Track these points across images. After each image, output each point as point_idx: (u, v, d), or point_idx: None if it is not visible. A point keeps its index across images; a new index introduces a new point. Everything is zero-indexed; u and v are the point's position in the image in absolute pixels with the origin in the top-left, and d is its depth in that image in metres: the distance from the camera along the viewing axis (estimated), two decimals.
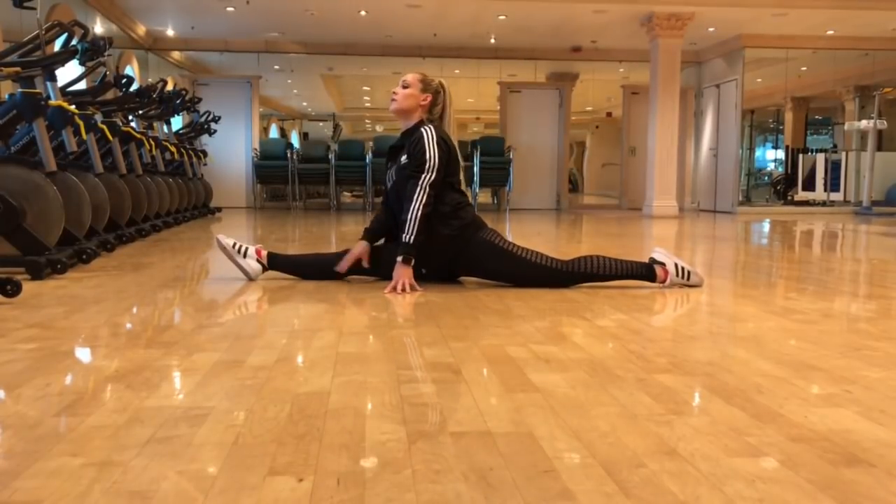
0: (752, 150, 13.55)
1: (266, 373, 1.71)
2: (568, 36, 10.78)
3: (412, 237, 2.91)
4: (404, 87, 3.12)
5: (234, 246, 3.20)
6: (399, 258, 2.95)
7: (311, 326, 2.31)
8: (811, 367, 1.82)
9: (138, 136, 6.00)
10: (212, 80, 11.43)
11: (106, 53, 4.52)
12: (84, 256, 3.72)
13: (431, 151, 2.91)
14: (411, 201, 2.88)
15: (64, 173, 3.92)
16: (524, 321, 2.41)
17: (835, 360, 1.88)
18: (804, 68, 12.51)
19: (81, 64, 4.46)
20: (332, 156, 10.93)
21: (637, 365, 1.82)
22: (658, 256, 3.18)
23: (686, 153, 11.90)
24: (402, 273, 2.95)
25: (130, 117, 6.16)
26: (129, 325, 2.39)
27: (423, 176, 2.90)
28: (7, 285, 2.66)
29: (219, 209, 9.43)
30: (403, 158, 3.03)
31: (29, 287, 2.93)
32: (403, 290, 2.91)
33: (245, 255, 3.19)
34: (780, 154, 13.50)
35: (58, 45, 4.39)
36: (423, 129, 2.99)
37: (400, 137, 3.22)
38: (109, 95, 5.57)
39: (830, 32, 10.35)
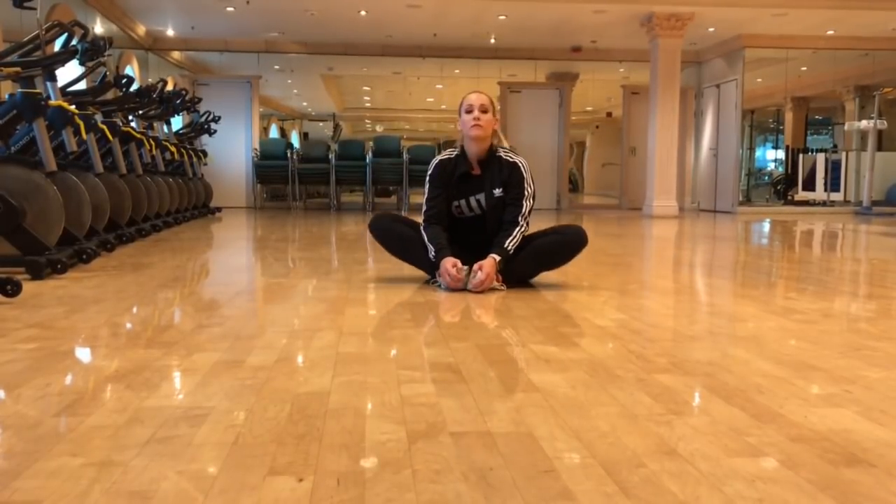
0: (752, 150, 13.54)
1: (266, 373, 1.71)
2: (568, 36, 10.77)
3: (513, 249, 3.05)
4: (484, 111, 3.09)
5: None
6: (497, 258, 3.00)
7: (311, 326, 2.31)
8: (811, 367, 1.82)
9: (138, 136, 6.01)
10: (212, 80, 11.42)
11: (106, 53, 4.52)
12: (84, 256, 3.72)
13: (529, 182, 3.16)
14: (516, 224, 3.09)
15: (64, 173, 3.92)
16: (524, 321, 2.41)
17: (835, 360, 1.88)
18: (804, 68, 12.50)
19: (81, 64, 4.46)
20: (332, 156, 10.93)
21: (637, 365, 1.82)
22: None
23: (686, 153, 11.89)
24: (494, 273, 2.98)
25: (130, 117, 6.16)
26: (129, 325, 2.39)
27: (526, 204, 3.13)
28: (7, 285, 2.66)
29: (219, 209, 9.44)
30: (497, 191, 3.13)
31: (29, 287, 2.93)
32: (487, 287, 2.97)
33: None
34: (780, 154, 13.50)
35: (58, 45, 4.39)
36: (517, 162, 3.17)
37: (464, 164, 3.15)
38: (109, 95, 5.57)
39: (830, 32, 10.35)
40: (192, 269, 4.02)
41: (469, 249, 3.12)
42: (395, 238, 3.32)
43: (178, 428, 1.32)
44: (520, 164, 3.16)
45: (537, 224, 3.28)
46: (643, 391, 1.58)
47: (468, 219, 3.21)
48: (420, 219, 3.23)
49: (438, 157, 3.25)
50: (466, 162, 3.16)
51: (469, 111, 3.10)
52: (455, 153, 3.21)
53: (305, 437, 1.27)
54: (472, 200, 3.18)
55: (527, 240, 3.15)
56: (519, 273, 3.11)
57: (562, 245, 3.20)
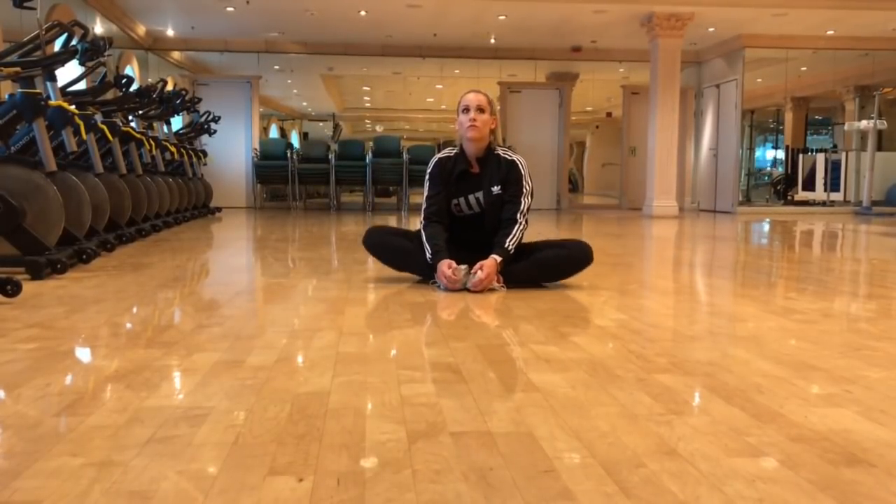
0: (752, 150, 13.54)
1: (266, 373, 1.71)
2: (568, 36, 10.77)
3: (513, 248, 3.06)
4: (480, 110, 3.11)
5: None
6: (498, 259, 3.00)
7: (311, 326, 2.31)
8: (811, 367, 1.82)
9: (138, 136, 6.00)
10: (212, 80, 11.42)
11: (106, 53, 4.52)
12: (84, 256, 3.72)
13: (527, 179, 3.17)
14: (516, 222, 3.09)
15: (64, 173, 3.92)
16: (524, 321, 2.41)
17: (835, 360, 1.88)
18: (804, 68, 12.50)
19: (81, 64, 4.46)
20: (332, 156, 10.93)
21: (637, 365, 1.82)
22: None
23: (686, 153, 11.89)
24: (494, 273, 2.98)
25: (130, 117, 6.16)
26: (129, 325, 2.39)
27: (524, 202, 3.14)
28: (7, 285, 2.66)
29: (219, 209, 9.44)
30: (496, 189, 3.15)
31: (29, 287, 2.93)
32: (488, 286, 2.97)
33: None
34: (780, 154, 13.50)
35: (58, 45, 4.39)
36: (515, 160, 3.19)
37: (464, 162, 3.16)
38: (109, 95, 5.57)
39: (830, 32, 10.35)
40: (192, 269, 4.02)
41: (468, 248, 3.12)
42: (390, 251, 3.33)
43: (178, 428, 1.32)
44: (518, 162, 3.18)
45: (537, 226, 3.29)
46: (643, 391, 1.58)
47: (467, 217, 3.21)
48: (420, 218, 3.24)
49: (438, 155, 3.27)
50: (465, 160, 3.18)
51: (465, 111, 3.12)
52: (454, 151, 3.23)
53: (305, 437, 1.27)
54: (471, 198, 3.19)
55: (530, 250, 3.16)
56: (519, 281, 3.11)
57: (565, 260, 3.20)
